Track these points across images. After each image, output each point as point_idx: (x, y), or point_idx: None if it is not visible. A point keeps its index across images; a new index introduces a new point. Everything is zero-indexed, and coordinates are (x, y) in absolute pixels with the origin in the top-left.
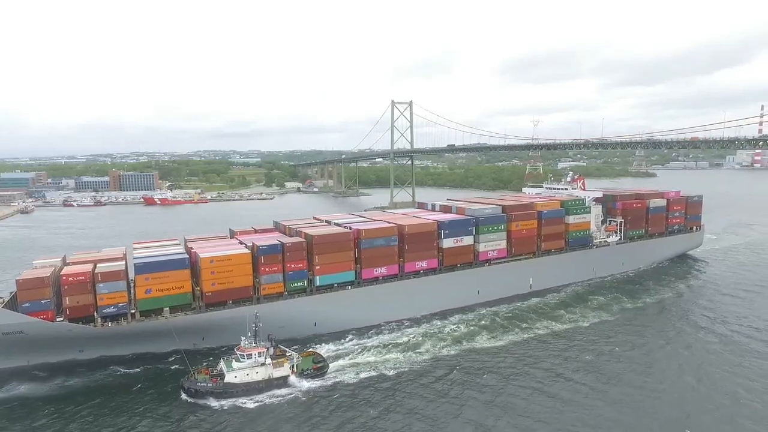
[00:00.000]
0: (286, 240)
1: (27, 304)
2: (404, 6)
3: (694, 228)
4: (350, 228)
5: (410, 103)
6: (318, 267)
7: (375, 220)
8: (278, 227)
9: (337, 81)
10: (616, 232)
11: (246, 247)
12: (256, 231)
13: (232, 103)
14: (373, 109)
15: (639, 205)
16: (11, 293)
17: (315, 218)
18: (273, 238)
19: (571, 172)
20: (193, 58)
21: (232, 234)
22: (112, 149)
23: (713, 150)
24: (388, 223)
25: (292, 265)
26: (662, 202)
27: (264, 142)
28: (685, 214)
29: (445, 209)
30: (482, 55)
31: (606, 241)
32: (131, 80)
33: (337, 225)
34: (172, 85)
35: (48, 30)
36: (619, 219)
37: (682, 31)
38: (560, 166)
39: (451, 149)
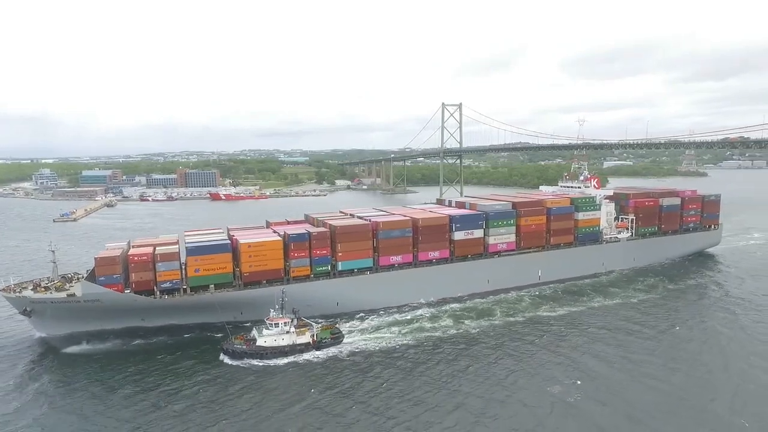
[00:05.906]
0: (313, 230)
1: (102, 278)
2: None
3: (711, 226)
4: (369, 220)
5: (460, 105)
6: (340, 254)
7: (393, 214)
8: (308, 219)
9: (385, 81)
10: (627, 229)
11: (279, 235)
12: (288, 222)
13: (278, 102)
14: (419, 108)
15: (651, 203)
16: (88, 270)
17: (341, 212)
18: (302, 228)
19: (585, 172)
20: (236, 60)
21: (268, 224)
22: (162, 149)
23: None
24: (404, 216)
25: (318, 252)
26: (676, 201)
27: (307, 142)
28: (702, 212)
29: (460, 205)
30: (548, 50)
31: (616, 237)
32: (180, 84)
33: (359, 218)
34: (223, 86)
35: (105, 36)
36: (631, 216)
37: (759, 22)
38: (605, 165)
39: (493, 149)
